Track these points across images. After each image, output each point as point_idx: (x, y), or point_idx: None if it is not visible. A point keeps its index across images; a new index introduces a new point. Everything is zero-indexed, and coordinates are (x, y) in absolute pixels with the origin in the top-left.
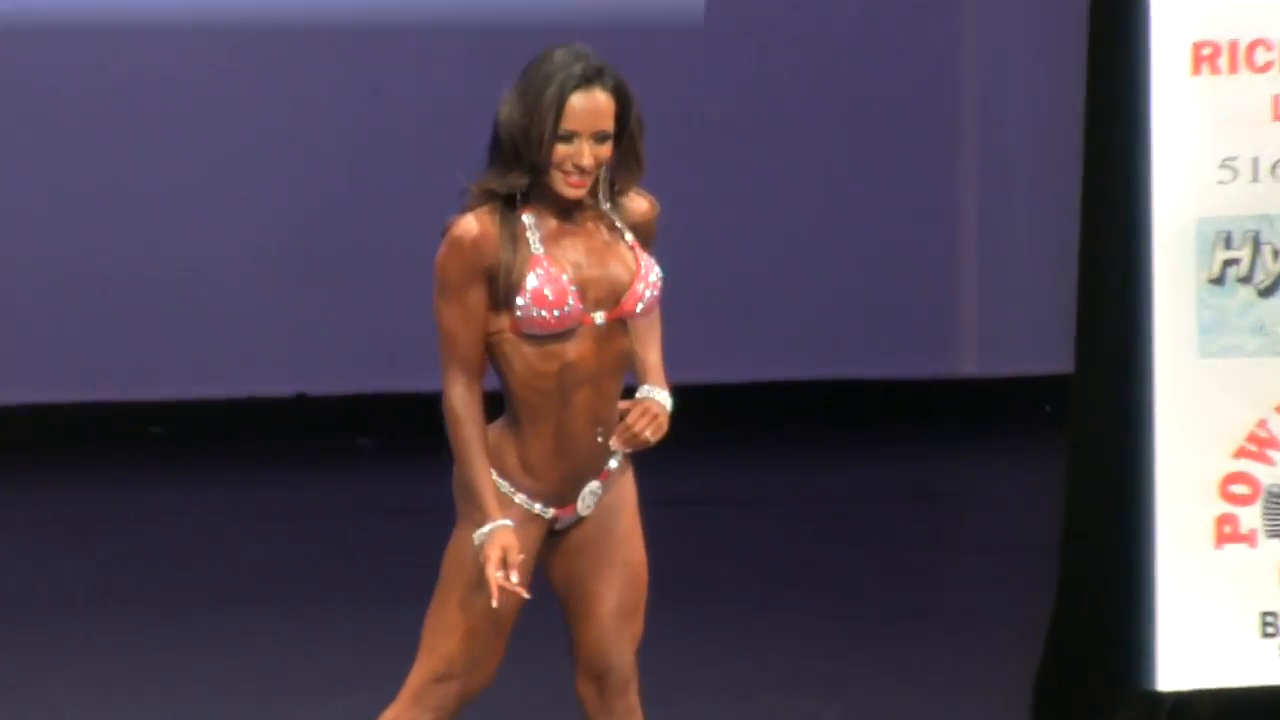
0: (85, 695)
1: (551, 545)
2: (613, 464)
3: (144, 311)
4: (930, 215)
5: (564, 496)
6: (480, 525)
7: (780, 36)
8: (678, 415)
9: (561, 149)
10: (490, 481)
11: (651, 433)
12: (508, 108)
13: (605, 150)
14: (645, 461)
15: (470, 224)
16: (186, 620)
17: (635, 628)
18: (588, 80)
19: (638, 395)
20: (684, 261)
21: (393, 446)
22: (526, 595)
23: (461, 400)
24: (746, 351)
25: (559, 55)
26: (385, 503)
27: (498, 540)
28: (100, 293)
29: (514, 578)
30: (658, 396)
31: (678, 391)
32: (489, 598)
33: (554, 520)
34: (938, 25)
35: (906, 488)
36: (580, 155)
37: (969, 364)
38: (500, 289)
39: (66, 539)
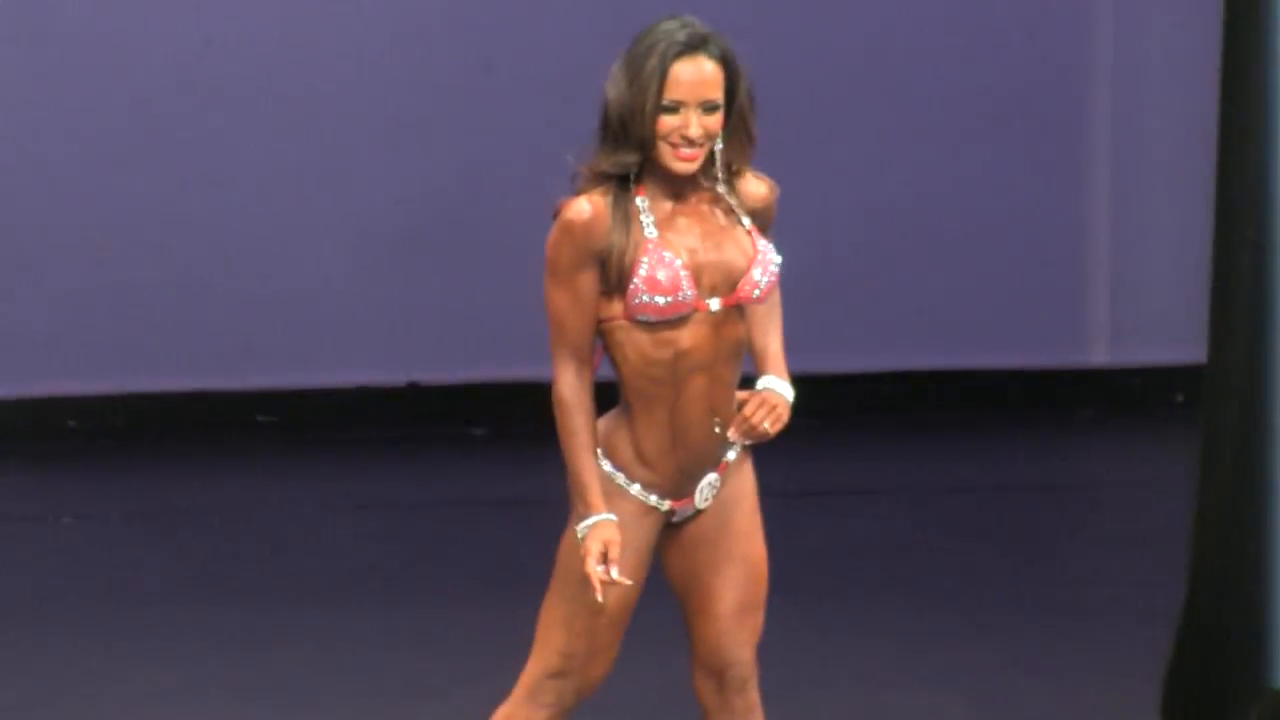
0: (180, 688)
1: (668, 539)
2: (730, 455)
3: (251, 298)
4: (1061, 202)
5: (681, 488)
6: (584, 518)
7: (908, 16)
8: (802, 405)
9: (667, 120)
10: (595, 473)
11: (770, 424)
12: (613, 83)
13: (714, 121)
14: (771, 452)
15: (582, 206)
16: (291, 614)
17: (755, 624)
18: (691, 48)
19: (758, 386)
20: (811, 250)
21: (506, 435)
22: (629, 583)
23: (570, 388)
24: (874, 341)
25: (663, 26)
26: (498, 493)
27: (599, 534)
28: (210, 281)
29: (614, 573)
30: (777, 387)
31: (804, 381)
32: (612, 602)
33: (671, 513)
34: (1071, 12)
35: (1036, 478)
36: (687, 126)
37: (1100, 354)
38: (612, 273)
39: (172, 530)
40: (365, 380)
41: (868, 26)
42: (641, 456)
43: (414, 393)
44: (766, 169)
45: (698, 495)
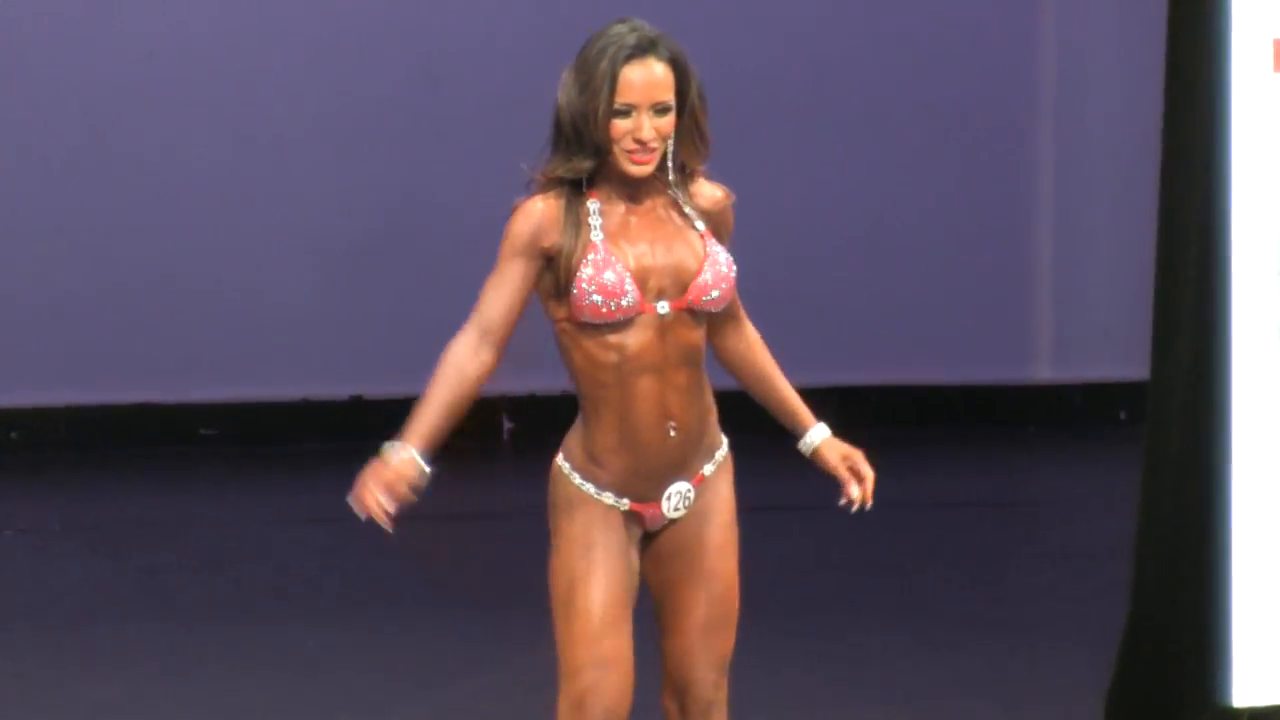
0: (125, 704)
1: (646, 552)
2: (708, 469)
3: (195, 311)
4: (1005, 219)
5: (640, 491)
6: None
7: (853, 30)
8: (748, 421)
9: (620, 124)
10: (432, 419)
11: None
12: (564, 89)
13: (666, 123)
14: (750, 464)
15: (536, 204)
16: (235, 628)
17: (723, 645)
18: (641, 51)
19: (804, 450)
20: (755, 265)
21: (450, 449)
22: (389, 509)
23: (460, 348)
24: (818, 356)
25: (612, 30)
26: (440, 506)
27: (394, 463)
28: (154, 293)
29: (388, 506)
30: (819, 439)
31: (748, 398)
32: (586, 596)
33: (640, 519)
34: (1014, 24)
35: (980, 494)
36: (639, 129)
37: (1044, 370)
38: (560, 275)
39: (115, 543)
40: (309, 393)
41: (814, 42)
42: (592, 455)
43: (358, 406)
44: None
45: (665, 503)
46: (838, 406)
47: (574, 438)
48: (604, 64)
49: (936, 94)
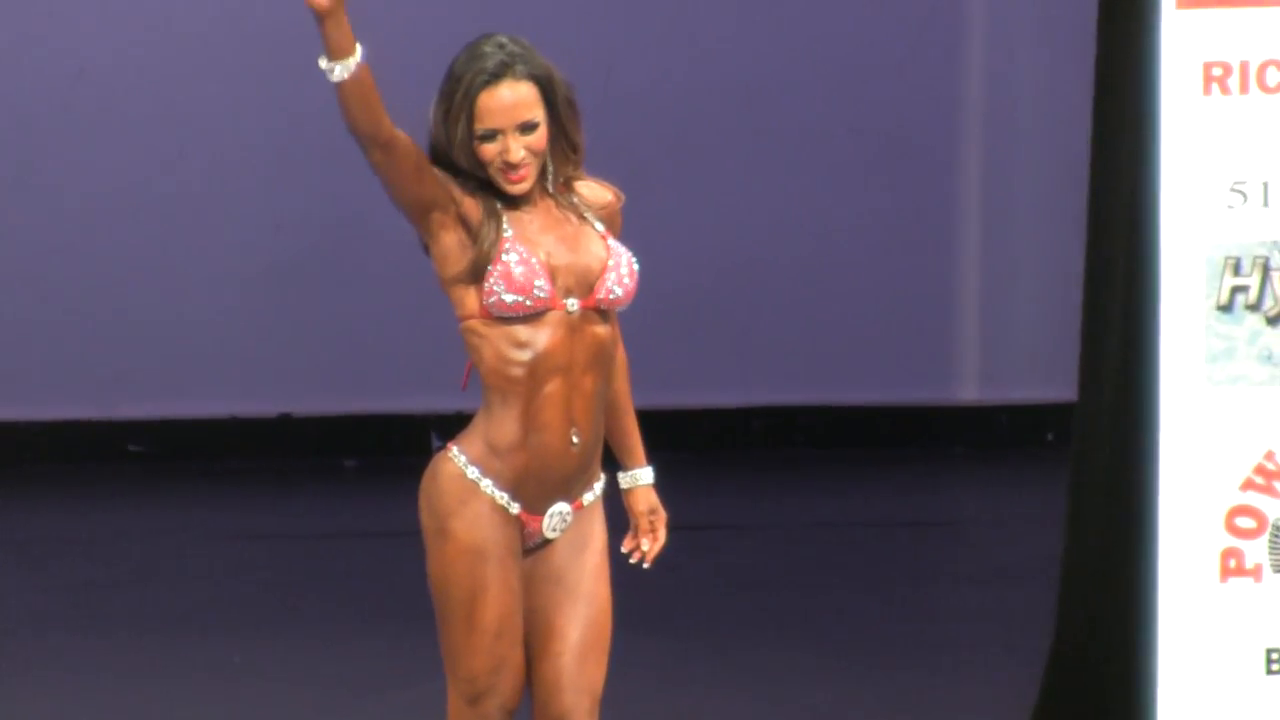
0: (51, 718)
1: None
2: (588, 498)
3: (123, 327)
4: (932, 239)
5: (530, 497)
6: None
7: (779, 55)
8: (670, 440)
9: (487, 148)
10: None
11: (657, 549)
12: (432, 114)
13: (536, 139)
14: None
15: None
16: (160, 644)
17: (595, 673)
18: (496, 76)
19: (624, 481)
20: (680, 284)
21: (377, 467)
22: None
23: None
24: (744, 376)
25: (470, 52)
26: (370, 525)
27: None
28: (78, 307)
29: None
30: (644, 480)
31: (672, 416)
32: (485, 609)
33: (522, 528)
34: (941, 41)
35: (905, 515)
36: (507, 151)
37: (970, 390)
38: (474, 260)
39: (41, 560)
40: (237, 411)
41: (739, 61)
42: (492, 446)
43: (286, 424)
44: (636, 201)
45: (545, 521)
46: (763, 426)
47: (473, 430)
48: (459, 93)
49: (864, 117)
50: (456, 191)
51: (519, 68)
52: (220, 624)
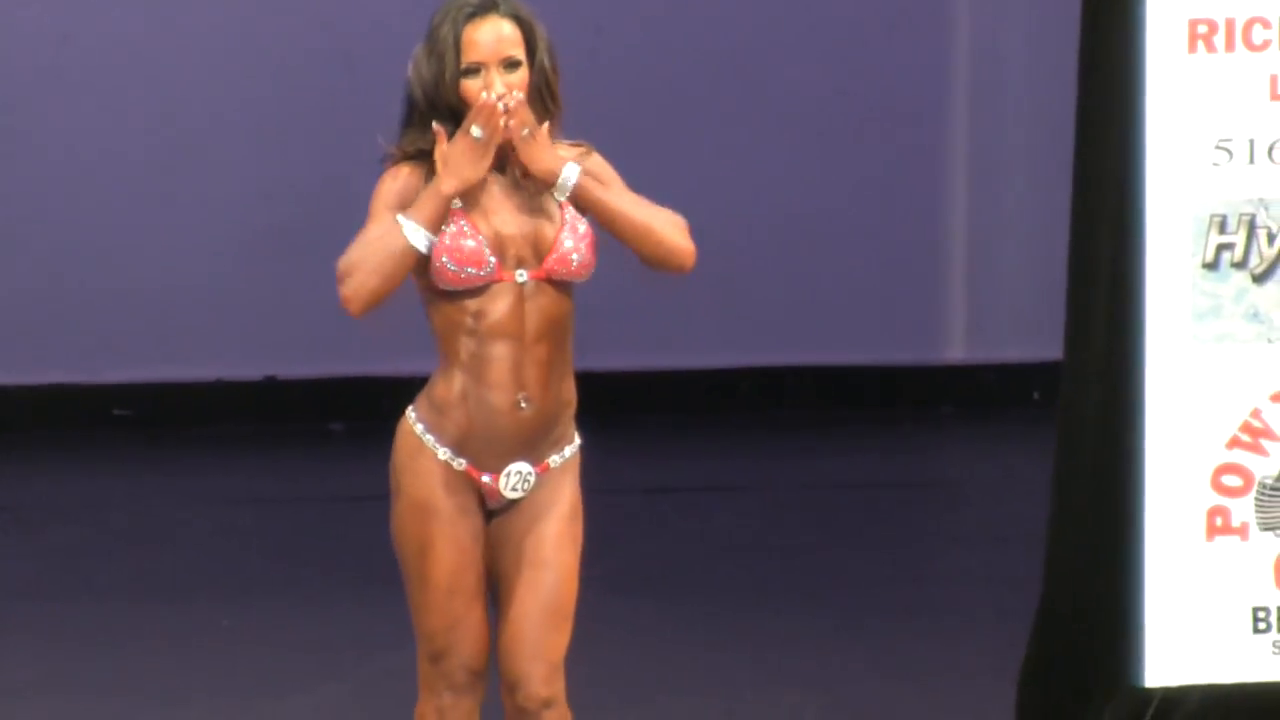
0: (39, 683)
1: (488, 536)
2: (554, 460)
3: (108, 292)
4: (918, 198)
5: (477, 455)
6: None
7: (767, 16)
8: (659, 401)
9: (470, 84)
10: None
11: (515, 123)
12: (414, 61)
13: (518, 79)
14: (627, 447)
15: (402, 169)
16: (148, 610)
17: (556, 641)
18: (482, 10)
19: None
20: None
21: (363, 431)
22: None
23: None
24: (732, 337)
25: None
26: (356, 488)
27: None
28: (63, 272)
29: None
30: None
31: (661, 377)
32: (435, 565)
33: (477, 487)
34: (928, 10)
35: (892, 476)
36: (490, 85)
37: (956, 350)
38: None
39: (28, 525)
40: (223, 374)
41: (727, 21)
42: (434, 402)
43: (272, 387)
44: (623, 165)
45: (503, 480)
46: (751, 387)
47: (425, 390)
48: (445, 27)
49: (852, 79)
50: (412, 191)
51: (504, 6)
52: (208, 588)
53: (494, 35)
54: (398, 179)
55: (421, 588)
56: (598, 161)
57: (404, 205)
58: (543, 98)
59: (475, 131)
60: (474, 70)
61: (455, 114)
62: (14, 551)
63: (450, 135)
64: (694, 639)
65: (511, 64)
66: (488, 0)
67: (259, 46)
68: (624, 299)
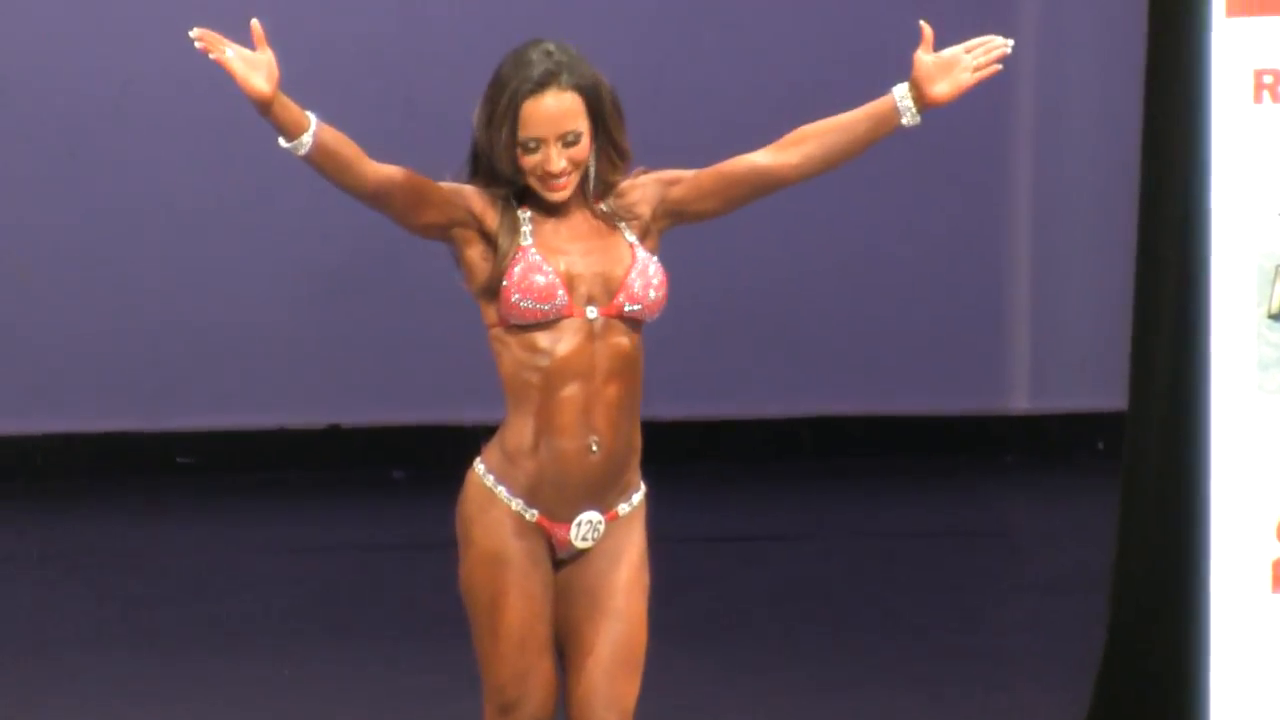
0: None
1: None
2: (623, 508)
3: (172, 338)
4: (982, 247)
5: (550, 505)
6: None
7: (832, 60)
8: (721, 450)
9: (528, 158)
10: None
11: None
12: (476, 117)
13: (579, 151)
14: (690, 496)
15: (477, 187)
16: (210, 659)
17: (628, 690)
18: (541, 85)
19: (900, 97)
20: (729, 293)
21: (425, 478)
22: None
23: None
24: (797, 386)
25: (516, 58)
26: (418, 536)
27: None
28: (129, 319)
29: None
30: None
31: (722, 427)
32: (506, 616)
33: (550, 536)
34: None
35: (957, 525)
36: (548, 161)
37: (1021, 400)
38: (493, 271)
39: (91, 571)
40: (286, 422)
41: (789, 70)
42: (507, 454)
43: (334, 435)
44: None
45: (574, 530)
46: (813, 436)
47: (494, 440)
48: (504, 100)
49: (914, 129)
50: (477, 205)
51: (564, 77)
52: (270, 637)
53: (554, 111)
54: (481, 191)
55: (492, 639)
56: (654, 180)
57: (468, 204)
58: (610, 155)
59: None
60: (533, 145)
61: (511, 179)
62: (77, 600)
63: (510, 196)
64: (758, 688)
65: (572, 138)
66: (548, 72)
67: (319, 88)
68: (683, 347)
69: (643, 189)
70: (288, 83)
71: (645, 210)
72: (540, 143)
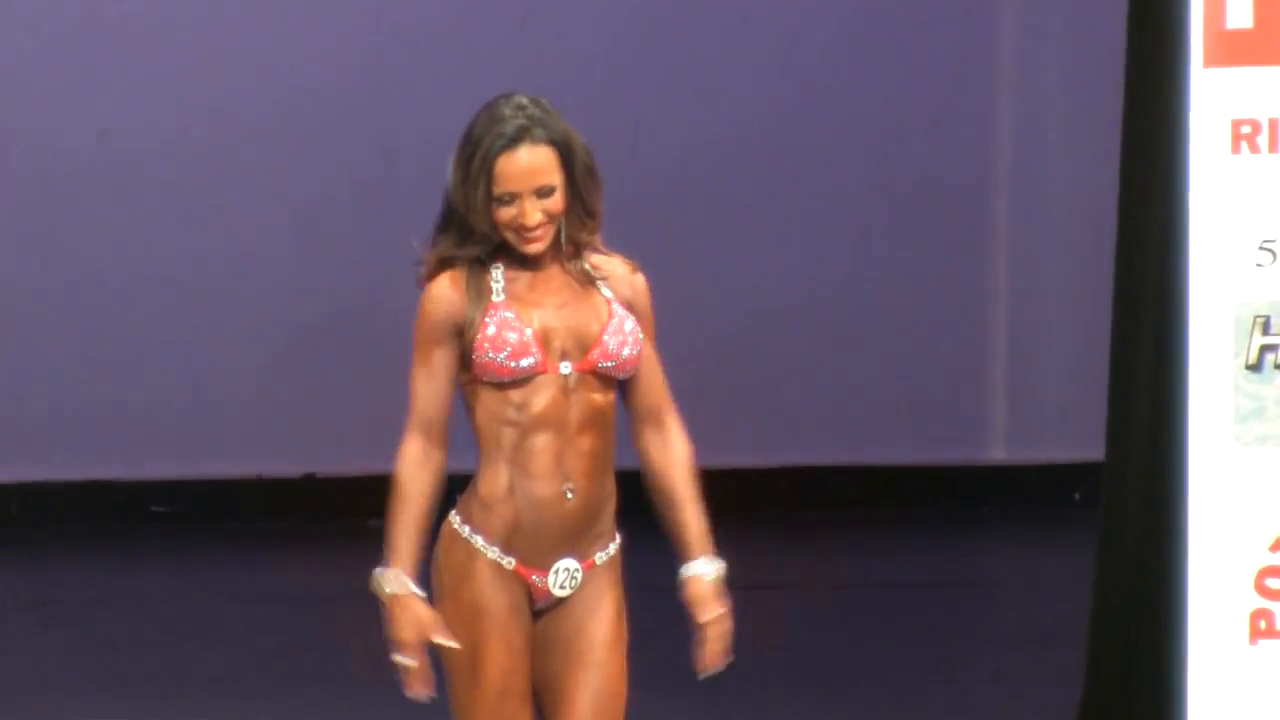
0: None
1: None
2: (600, 557)
3: (148, 388)
4: (960, 298)
5: (526, 552)
6: (384, 566)
7: (807, 111)
8: (703, 500)
9: (503, 212)
10: (410, 542)
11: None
12: (450, 175)
13: (553, 203)
14: (666, 546)
15: (442, 285)
16: (186, 706)
17: None
18: (514, 141)
19: (684, 574)
20: (705, 342)
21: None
22: (456, 646)
23: (410, 466)
24: (772, 436)
25: (489, 114)
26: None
27: (410, 619)
28: (103, 368)
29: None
30: (691, 572)
31: (703, 475)
32: (487, 667)
33: (527, 585)
34: (970, 100)
35: (932, 575)
36: (523, 215)
37: (998, 451)
38: (466, 340)
39: (65, 620)
40: (262, 471)
41: (766, 116)
42: (481, 499)
43: (311, 484)
44: (665, 259)
45: (552, 578)
46: (790, 487)
47: (468, 491)
48: (478, 156)
49: (892, 175)
50: (450, 318)
51: (537, 131)
52: (246, 684)
53: (528, 166)
54: (440, 303)
55: (471, 690)
56: (642, 288)
57: (448, 334)
58: (579, 213)
59: (399, 659)
60: (507, 200)
61: (487, 235)
62: (53, 646)
63: (486, 253)
64: None
65: (546, 191)
66: (521, 127)
67: (297, 142)
68: None
69: (632, 288)
70: (264, 133)
71: (623, 300)
72: (515, 197)
